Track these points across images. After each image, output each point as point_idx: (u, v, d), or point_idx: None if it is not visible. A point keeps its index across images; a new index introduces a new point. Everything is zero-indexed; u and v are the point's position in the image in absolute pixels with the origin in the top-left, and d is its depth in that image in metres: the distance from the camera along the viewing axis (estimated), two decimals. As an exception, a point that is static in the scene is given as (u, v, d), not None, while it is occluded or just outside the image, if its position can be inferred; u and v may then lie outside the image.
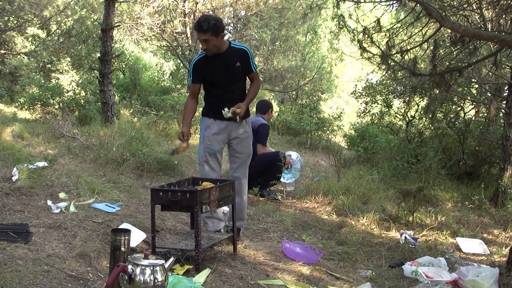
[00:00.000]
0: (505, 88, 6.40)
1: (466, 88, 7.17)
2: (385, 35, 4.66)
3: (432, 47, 4.49)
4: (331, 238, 4.41)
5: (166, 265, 2.49)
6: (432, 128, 7.92)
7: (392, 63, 4.51)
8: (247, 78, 3.93)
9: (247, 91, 3.95)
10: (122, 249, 2.66)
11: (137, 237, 3.60)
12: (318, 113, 10.34)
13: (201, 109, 4.16)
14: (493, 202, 5.83)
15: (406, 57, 4.49)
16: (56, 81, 10.39)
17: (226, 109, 3.73)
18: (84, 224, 3.65)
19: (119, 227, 3.56)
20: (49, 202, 4.03)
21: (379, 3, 5.16)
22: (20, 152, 5.37)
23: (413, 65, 4.25)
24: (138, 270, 2.36)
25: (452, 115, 7.62)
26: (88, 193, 4.45)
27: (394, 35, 4.62)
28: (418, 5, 4.10)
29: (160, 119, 8.56)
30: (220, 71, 3.78)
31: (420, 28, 4.90)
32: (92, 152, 5.88)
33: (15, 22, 11.86)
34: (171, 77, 11.82)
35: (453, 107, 7.62)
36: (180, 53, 10.90)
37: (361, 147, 7.89)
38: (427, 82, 4.68)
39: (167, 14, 11.07)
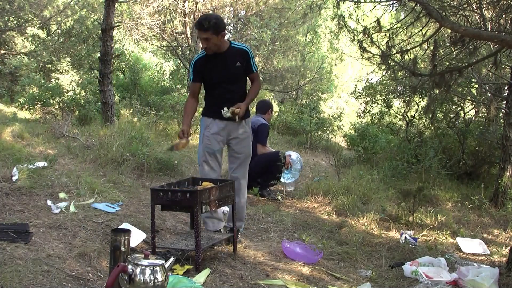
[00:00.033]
0: (505, 88, 6.40)
1: (466, 88, 7.17)
2: (385, 35, 4.66)
3: (432, 47, 4.49)
4: (331, 238, 4.41)
5: (166, 265, 2.49)
6: (432, 128, 7.92)
7: (392, 63, 4.51)
8: (248, 78, 3.93)
9: (247, 91, 3.95)
10: (122, 249, 2.66)
11: (137, 237, 3.60)
12: (318, 113, 10.34)
13: (201, 109, 4.16)
14: (493, 202, 5.83)
15: (406, 57, 4.49)
16: (56, 81, 10.39)
17: (225, 108, 3.73)
18: (84, 224, 3.65)
19: (119, 227, 3.56)
20: (49, 202, 4.03)
21: (379, 3, 5.16)
22: (20, 152, 5.37)
23: (413, 65, 4.25)
24: (138, 270, 2.36)
25: (452, 115, 7.62)
26: (88, 193, 4.45)
27: (394, 35, 4.61)
28: (418, 5, 4.10)
29: (160, 119, 8.56)
30: (220, 71, 3.78)
31: (420, 28, 4.90)
32: (92, 152, 5.88)
33: (15, 22, 11.86)
34: (171, 77, 11.82)
35: (453, 107, 7.62)
36: (180, 53, 10.90)
37: (361, 147, 7.89)
38: (427, 82, 4.68)
39: (167, 14, 11.07)
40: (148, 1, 10.55)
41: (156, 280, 2.37)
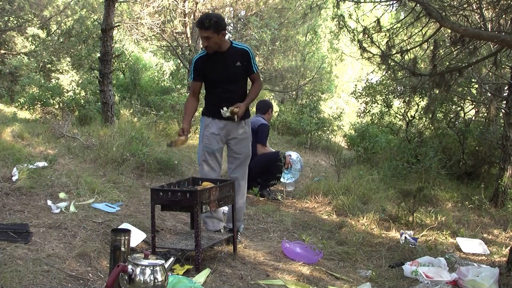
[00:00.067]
0: (505, 88, 6.40)
1: (466, 88, 7.17)
2: (385, 35, 4.66)
3: (432, 47, 4.49)
4: (331, 238, 4.41)
5: (166, 265, 2.49)
6: (432, 128, 7.92)
7: (392, 63, 4.51)
8: (249, 79, 3.93)
9: (248, 92, 3.95)
10: (122, 249, 2.66)
11: (137, 237, 3.60)
12: (318, 113, 10.34)
13: (201, 108, 4.17)
14: (493, 202, 5.83)
15: (406, 57, 4.49)
16: (56, 81, 10.39)
17: (224, 108, 3.73)
18: (84, 224, 3.65)
19: (119, 227, 3.56)
20: (49, 202, 4.03)
21: (379, 3, 5.16)
22: (20, 152, 5.37)
23: (413, 65, 4.25)
24: (138, 270, 2.36)
25: (452, 115, 7.62)
26: (88, 193, 4.45)
27: (394, 35, 4.61)
28: (418, 5, 4.10)
29: (160, 119, 8.56)
30: (220, 70, 3.78)
31: (420, 28, 4.90)
32: (92, 152, 5.88)
33: (15, 22, 11.86)
34: (171, 77, 11.82)
35: (453, 107, 7.62)
36: (180, 53, 10.90)
37: (361, 147, 7.89)
38: (427, 82, 4.68)
39: (167, 14, 11.07)
40: (148, 1, 10.55)
41: (156, 280, 2.37)
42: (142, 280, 2.36)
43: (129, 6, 11.85)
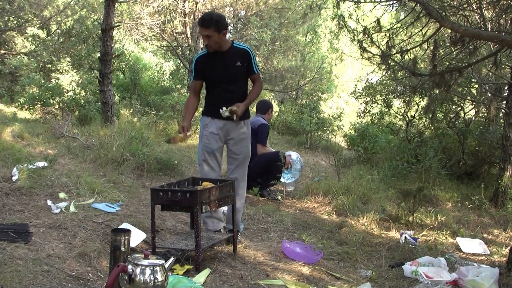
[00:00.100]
0: (505, 88, 6.40)
1: (466, 88, 7.17)
2: (385, 35, 4.66)
3: (432, 47, 4.49)
4: (331, 238, 4.41)
5: (166, 265, 2.49)
6: (432, 128, 7.92)
7: (392, 63, 4.51)
8: (250, 79, 3.93)
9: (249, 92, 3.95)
10: (122, 249, 2.66)
11: (137, 237, 3.60)
12: (318, 113, 10.34)
13: (201, 109, 4.17)
14: (493, 202, 5.83)
15: (406, 57, 4.49)
16: (56, 81, 10.40)
17: (224, 108, 3.74)
18: (84, 224, 3.65)
19: (119, 227, 3.56)
20: (49, 202, 4.03)
21: (379, 3, 5.16)
22: (20, 152, 5.37)
23: (413, 65, 4.25)
24: (138, 270, 2.36)
25: (452, 115, 7.62)
26: (88, 193, 4.45)
27: (394, 35, 4.62)
28: (418, 5, 4.10)
29: (160, 119, 8.56)
30: (220, 69, 3.78)
31: (420, 28, 4.90)
32: (92, 152, 5.88)
33: (15, 22, 11.86)
34: (171, 77, 11.82)
35: (453, 107, 7.62)
36: (180, 53, 10.90)
37: (361, 147, 7.89)
38: (427, 82, 4.68)
39: (167, 14, 11.07)
40: (148, 1, 10.55)
41: (156, 280, 2.37)
42: (142, 280, 2.36)
43: (129, 6, 11.85)
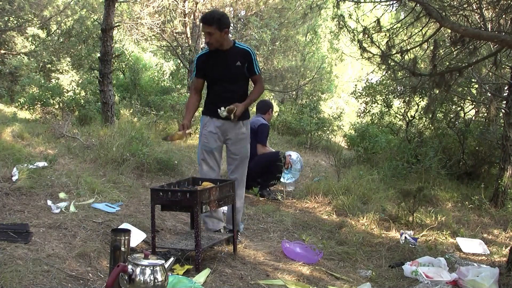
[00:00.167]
0: (505, 88, 6.40)
1: (466, 88, 7.17)
2: (385, 35, 4.66)
3: (432, 47, 4.49)
4: (331, 238, 4.41)
5: (166, 265, 2.49)
6: (432, 128, 7.92)
7: (392, 63, 4.51)
8: (251, 80, 3.93)
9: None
10: (122, 249, 2.66)
11: (137, 237, 3.60)
12: (318, 113, 10.34)
13: (201, 109, 4.17)
14: (493, 202, 5.83)
15: (406, 57, 4.49)
16: (56, 81, 10.40)
17: (222, 108, 3.74)
18: (84, 224, 3.65)
19: (119, 227, 3.56)
20: (49, 202, 4.03)
21: (379, 3, 5.16)
22: (20, 152, 5.37)
23: (413, 65, 4.25)
24: (138, 270, 2.36)
25: (452, 115, 7.62)
26: (88, 193, 4.45)
27: (394, 35, 4.62)
28: (418, 5, 4.10)
29: (160, 119, 8.56)
30: (220, 68, 3.79)
31: (420, 28, 4.90)
32: (92, 152, 5.88)
33: (15, 22, 11.86)
34: (171, 77, 11.83)
35: (453, 107, 7.62)
36: (180, 53, 10.90)
37: (361, 147, 7.89)
38: (427, 82, 4.68)
39: (167, 14, 11.08)
40: (148, 1, 10.55)
41: (156, 280, 2.37)
42: (142, 280, 2.36)
43: (129, 6, 11.86)
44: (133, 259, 2.42)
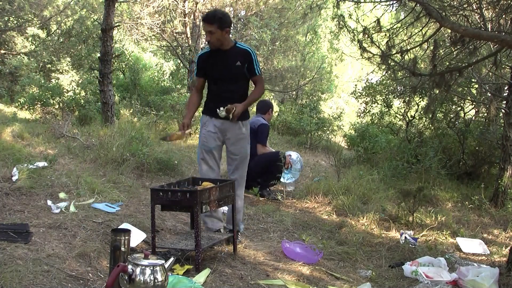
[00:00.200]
0: (505, 88, 6.40)
1: (466, 88, 7.17)
2: (385, 35, 4.66)
3: (432, 47, 4.49)
4: (331, 238, 4.41)
5: (166, 265, 2.49)
6: (432, 128, 7.92)
7: (392, 63, 4.51)
8: (251, 81, 3.92)
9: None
10: (122, 249, 2.66)
11: (137, 237, 3.60)
12: (318, 113, 10.34)
13: (201, 108, 4.18)
14: (493, 202, 5.83)
15: (406, 57, 4.49)
16: (56, 81, 10.39)
17: (221, 108, 3.74)
18: (84, 224, 3.65)
19: (119, 227, 3.56)
20: (49, 202, 4.03)
21: (379, 3, 5.16)
22: (20, 152, 5.37)
23: (413, 65, 4.25)
24: (138, 270, 2.36)
25: (452, 115, 7.62)
26: (88, 193, 4.45)
27: (394, 35, 4.62)
28: (418, 5, 4.10)
29: (160, 119, 8.56)
30: (220, 68, 3.79)
31: (420, 28, 4.90)
32: (92, 152, 5.88)
33: (15, 22, 11.86)
34: (171, 77, 11.82)
35: (453, 107, 7.62)
36: (180, 53, 10.90)
37: (361, 147, 7.89)
38: (427, 82, 4.68)
39: (167, 14, 11.08)
40: (148, 1, 10.55)
41: (156, 280, 2.37)
42: (142, 280, 2.36)
43: (129, 6, 11.86)
44: (133, 259, 2.42)
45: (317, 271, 3.58)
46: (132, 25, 11.43)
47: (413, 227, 4.84)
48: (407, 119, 8.18)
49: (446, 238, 4.70)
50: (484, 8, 4.63)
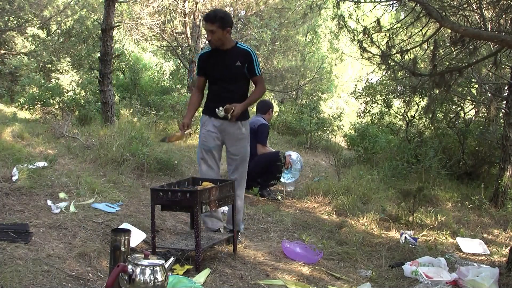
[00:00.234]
0: (505, 88, 6.40)
1: (466, 88, 7.17)
2: (385, 35, 4.66)
3: (432, 47, 4.49)
4: (331, 238, 4.41)
5: (166, 265, 2.49)
6: (432, 128, 7.92)
7: (392, 63, 4.51)
8: (252, 82, 3.92)
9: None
10: (122, 249, 2.66)
11: (137, 237, 3.60)
12: (318, 113, 10.34)
13: (201, 109, 4.18)
14: (493, 202, 5.83)
15: (406, 57, 4.49)
16: (56, 81, 10.39)
17: (220, 107, 3.74)
18: (84, 224, 3.65)
19: (119, 227, 3.56)
20: (49, 202, 4.03)
21: (379, 3, 5.17)
22: (20, 152, 5.37)
23: (413, 65, 4.25)
24: (138, 270, 2.36)
25: (452, 115, 7.62)
26: (88, 193, 4.45)
27: (394, 35, 4.62)
28: (418, 5, 4.10)
29: (160, 119, 8.56)
30: (221, 68, 3.80)
31: (420, 28, 4.90)
32: (92, 152, 5.87)
33: (15, 22, 11.86)
34: (171, 77, 11.82)
35: (453, 107, 7.62)
36: (180, 53, 10.90)
37: (361, 147, 7.89)
38: (427, 82, 4.68)
39: (167, 14, 11.08)
40: (148, 1, 10.55)
41: (156, 280, 2.37)
42: (142, 280, 2.36)
43: (129, 6, 11.86)
44: (133, 259, 2.42)
45: (317, 271, 3.58)
46: (132, 25, 11.43)
47: (413, 227, 4.84)
48: (407, 119, 8.18)
49: (446, 238, 4.70)
50: (484, 8, 4.63)
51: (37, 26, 11.75)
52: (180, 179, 4.37)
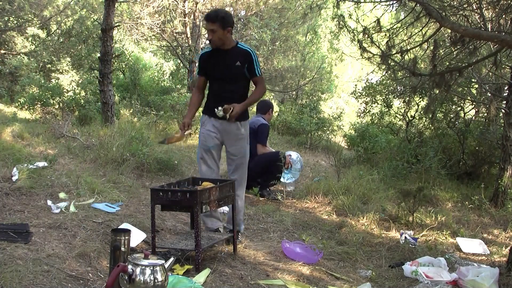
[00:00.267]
0: (505, 88, 6.40)
1: (466, 88, 7.17)
2: (385, 35, 4.66)
3: (432, 47, 4.49)
4: (331, 238, 4.41)
5: (166, 265, 2.49)
6: (432, 128, 7.92)
7: (392, 63, 4.51)
8: (252, 82, 3.92)
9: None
10: (122, 249, 2.66)
11: (137, 237, 3.60)
12: (318, 113, 10.33)
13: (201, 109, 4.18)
14: (493, 202, 5.83)
15: (406, 57, 4.49)
16: (56, 81, 10.39)
17: (219, 107, 3.74)
18: (84, 224, 3.65)
19: (119, 227, 3.56)
20: (49, 202, 4.03)
21: (379, 3, 5.17)
22: (20, 152, 5.37)
23: (413, 65, 4.25)
24: (138, 270, 2.36)
25: (452, 115, 7.62)
26: (88, 193, 4.45)
27: (394, 35, 4.62)
28: (418, 5, 4.10)
29: (160, 119, 8.56)
30: (221, 68, 3.80)
31: (420, 28, 4.90)
32: (92, 152, 5.88)
33: (15, 22, 11.86)
34: (171, 77, 11.82)
35: (453, 107, 7.62)
36: (180, 53, 10.90)
37: (361, 147, 7.89)
38: (427, 82, 4.68)
39: (167, 14, 11.08)
40: (148, 1, 10.56)
41: (156, 280, 2.37)
42: (142, 280, 2.36)
43: (129, 6, 11.86)
44: (133, 259, 2.42)
45: (317, 271, 3.58)
46: (132, 25, 11.43)
47: (413, 227, 4.84)
48: (407, 119, 8.18)
49: (446, 238, 4.70)
50: (484, 8, 4.63)
51: (37, 26, 11.75)
52: (180, 179, 4.37)
